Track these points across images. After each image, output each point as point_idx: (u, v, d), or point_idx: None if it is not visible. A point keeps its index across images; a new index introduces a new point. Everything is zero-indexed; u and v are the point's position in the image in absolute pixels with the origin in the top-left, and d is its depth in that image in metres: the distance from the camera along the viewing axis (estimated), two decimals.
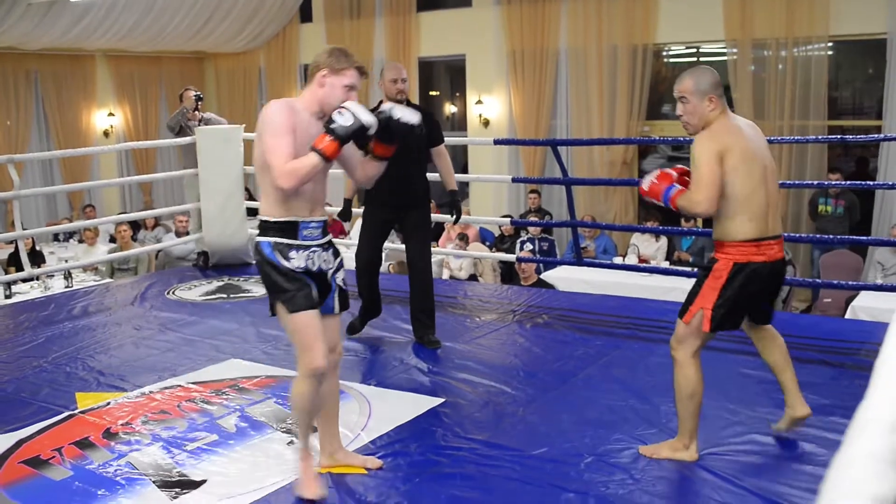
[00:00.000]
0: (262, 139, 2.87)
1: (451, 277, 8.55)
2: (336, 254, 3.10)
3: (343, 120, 2.85)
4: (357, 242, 4.99)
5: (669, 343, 3.26)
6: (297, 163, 2.83)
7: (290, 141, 2.85)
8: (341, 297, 3.10)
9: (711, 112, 3.08)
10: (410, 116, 2.97)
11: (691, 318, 3.15)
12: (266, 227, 2.96)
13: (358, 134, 2.88)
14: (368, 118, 2.88)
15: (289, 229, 2.95)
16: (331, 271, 3.05)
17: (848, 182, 8.34)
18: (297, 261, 2.94)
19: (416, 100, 11.83)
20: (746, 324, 3.36)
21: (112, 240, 10.40)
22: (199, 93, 7.53)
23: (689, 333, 3.16)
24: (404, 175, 4.62)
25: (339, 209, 5.07)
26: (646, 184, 3.28)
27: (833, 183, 6.80)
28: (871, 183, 8.24)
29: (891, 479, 0.69)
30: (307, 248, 2.97)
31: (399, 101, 4.62)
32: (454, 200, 4.88)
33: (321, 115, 2.98)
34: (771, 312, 3.36)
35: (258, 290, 6.39)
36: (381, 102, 4.72)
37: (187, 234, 9.04)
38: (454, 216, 4.92)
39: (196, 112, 7.44)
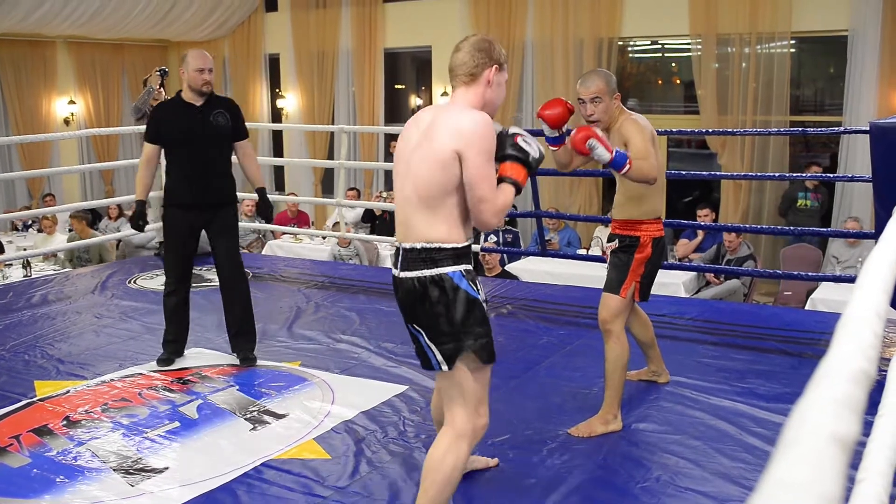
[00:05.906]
0: (475, 161, 2.35)
1: None
2: None
3: (533, 151, 2.47)
4: (164, 251, 4.55)
5: (600, 320, 3.46)
6: (505, 198, 2.42)
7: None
8: None
9: (616, 108, 3.37)
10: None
11: (627, 291, 3.43)
12: (446, 255, 2.41)
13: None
14: (542, 149, 2.55)
15: (469, 254, 2.47)
16: None
17: (809, 175, 8.51)
18: (482, 292, 2.48)
19: (381, 92, 11.83)
20: None
21: (71, 229, 10.23)
22: (163, 68, 7.22)
23: (624, 306, 3.45)
24: (211, 171, 4.31)
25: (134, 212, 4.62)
26: (587, 139, 3.14)
27: (796, 175, 6.90)
28: (832, 175, 8.49)
29: (849, 422, 0.71)
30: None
31: (204, 94, 4.24)
32: (264, 199, 4.51)
33: None
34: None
35: None
36: (213, 96, 4.31)
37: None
38: (267, 214, 4.59)
39: (161, 89, 7.23)
